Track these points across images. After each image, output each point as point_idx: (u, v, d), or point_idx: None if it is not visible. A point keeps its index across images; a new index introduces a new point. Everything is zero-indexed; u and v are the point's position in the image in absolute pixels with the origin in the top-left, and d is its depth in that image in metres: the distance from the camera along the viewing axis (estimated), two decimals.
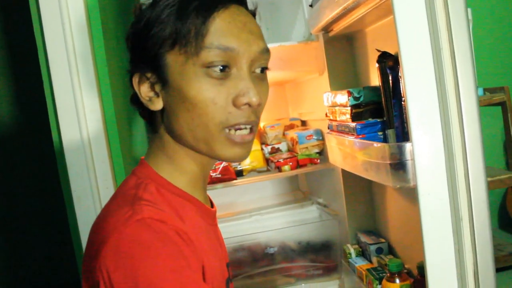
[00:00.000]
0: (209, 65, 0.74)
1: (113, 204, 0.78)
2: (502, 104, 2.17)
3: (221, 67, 0.75)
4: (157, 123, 0.83)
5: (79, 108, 1.38)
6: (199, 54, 0.74)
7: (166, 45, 0.75)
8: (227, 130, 0.77)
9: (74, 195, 1.38)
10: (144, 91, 0.79)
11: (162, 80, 0.77)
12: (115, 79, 1.57)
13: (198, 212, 0.85)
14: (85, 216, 1.40)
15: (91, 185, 1.38)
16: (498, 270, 2.55)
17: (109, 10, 1.65)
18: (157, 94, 0.79)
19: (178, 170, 0.83)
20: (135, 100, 0.83)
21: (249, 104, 0.76)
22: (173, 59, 0.76)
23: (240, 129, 0.78)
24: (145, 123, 0.93)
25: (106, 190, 1.40)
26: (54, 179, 1.62)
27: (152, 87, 0.79)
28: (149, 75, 0.78)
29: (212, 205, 0.97)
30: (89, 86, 1.40)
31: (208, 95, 0.74)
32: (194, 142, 0.79)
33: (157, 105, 0.79)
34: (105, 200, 1.41)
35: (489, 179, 2.17)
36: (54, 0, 1.38)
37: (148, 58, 0.77)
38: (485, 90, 2.24)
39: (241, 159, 0.82)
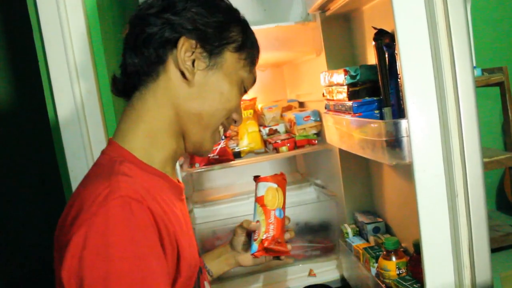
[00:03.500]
0: (243, 84, 0.94)
1: (88, 180, 0.80)
2: (500, 84, 2.17)
3: (245, 91, 0.96)
4: (156, 96, 0.86)
5: (75, 88, 1.37)
6: (247, 73, 0.94)
7: (233, 46, 0.90)
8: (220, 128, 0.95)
9: (71, 176, 1.39)
10: (185, 58, 0.85)
11: (211, 63, 0.87)
12: (111, 58, 1.57)
13: (169, 188, 0.90)
14: None
15: (88, 165, 1.38)
16: (495, 250, 2.57)
17: None
18: (193, 68, 0.86)
19: (155, 147, 0.87)
20: (140, 63, 0.86)
21: (234, 122, 0.97)
22: (230, 59, 0.90)
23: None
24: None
25: None
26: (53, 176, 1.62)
27: (193, 61, 0.86)
28: (200, 51, 0.86)
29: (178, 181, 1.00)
30: (85, 66, 1.39)
31: (234, 102, 0.92)
32: (201, 124, 0.89)
33: (190, 76, 0.86)
34: None
35: (487, 160, 2.18)
36: None
37: (212, 43, 0.87)
38: (483, 70, 2.23)
39: (206, 154, 0.99)
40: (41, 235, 2.75)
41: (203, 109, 0.88)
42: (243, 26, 0.94)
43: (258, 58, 0.97)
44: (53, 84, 1.39)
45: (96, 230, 0.69)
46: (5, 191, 2.66)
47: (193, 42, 0.85)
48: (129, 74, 0.87)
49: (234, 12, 0.93)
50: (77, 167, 1.39)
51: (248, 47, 0.93)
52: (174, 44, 0.85)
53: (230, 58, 0.90)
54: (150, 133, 0.87)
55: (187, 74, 0.85)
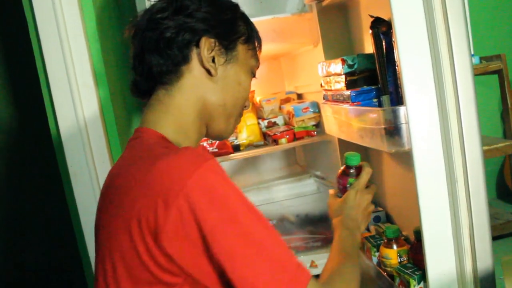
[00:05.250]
0: (252, 71, 1.02)
1: (144, 160, 0.82)
2: (498, 72, 2.17)
3: (253, 76, 1.04)
4: (183, 91, 0.93)
5: (72, 84, 1.37)
6: (255, 60, 1.02)
7: (242, 39, 0.97)
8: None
9: (71, 171, 1.38)
10: (207, 55, 0.92)
11: (228, 57, 0.95)
12: (107, 54, 1.56)
13: None
14: (82, 192, 1.40)
15: (87, 160, 1.38)
16: (495, 238, 2.58)
17: None
18: (214, 64, 0.93)
19: (183, 137, 0.93)
20: (170, 62, 0.92)
21: (245, 107, 1.04)
22: (242, 51, 0.98)
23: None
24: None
25: (102, 164, 1.40)
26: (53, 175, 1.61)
27: (213, 58, 0.93)
28: (218, 48, 0.93)
29: None
30: (81, 61, 1.39)
31: (248, 88, 1.01)
32: (225, 113, 0.97)
33: (214, 71, 0.93)
34: (101, 175, 1.42)
35: (486, 147, 2.18)
36: None
37: (227, 38, 0.95)
38: (481, 58, 2.23)
39: (227, 138, 1.07)
40: (41, 235, 2.76)
41: (226, 100, 0.96)
42: (245, 19, 1.01)
43: (261, 45, 1.05)
44: (51, 81, 1.38)
45: (202, 186, 0.74)
46: (5, 191, 2.66)
47: (212, 40, 0.92)
48: (155, 74, 0.92)
49: (236, 7, 1.00)
50: (76, 162, 1.39)
51: (254, 37, 1.02)
52: (195, 44, 0.91)
53: (241, 50, 0.98)
54: (178, 125, 0.93)
55: (212, 71, 0.92)
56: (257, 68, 1.05)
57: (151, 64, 0.92)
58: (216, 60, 0.93)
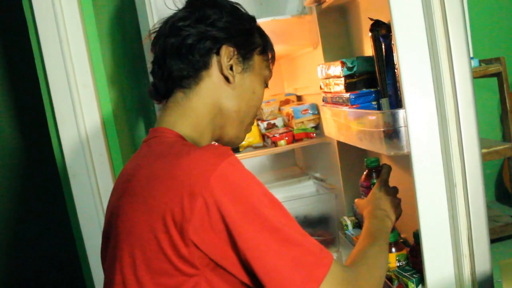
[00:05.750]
0: (266, 81, 1.07)
1: (161, 159, 0.85)
2: (498, 75, 2.17)
3: (266, 86, 1.08)
4: (200, 95, 0.96)
5: (72, 85, 1.37)
6: (269, 71, 1.07)
7: (258, 50, 1.03)
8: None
9: (70, 172, 1.38)
10: (227, 62, 0.96)
11: (245, 66, 0.99)
12: (106, 55, 1.57)
13: None
14: (81, 193, 1.40)
15: (86, 161, 1.38)
16: (495, 240, 2.58)
17: None
18: (232, 72, 0.97)
19: (198, 139, 0.96)
20: (191, 68, 0.96)
21: (256, 116, 1.10)
22: (257, 61, 1.03)
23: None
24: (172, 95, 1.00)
25: (101, 165, 1.40)
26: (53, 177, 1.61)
27: (231, 66, 0.97)
28: (236, 57, 0.98)
29: None
30: (80, 60, 1.39)
31: (261, 97, 1.06)
32: (239, 119, 1.01)
33: (232, 79, 0.97)
34: (100, 176, 1.42)
35: (485, 150, 2.18)
36: None
37: (245, 48, 0.99)
38: (481, 61, 2.23)
39: (238, 144, 1.09)
40: (41, 235, 2.76)
41: (241, 107, 1.00)
42: (261, 31, 1.07)
43: (274, 58, 1.10)
44: (50, 83, 1.38)
45: (225, 180, 0.77)
46: (5, 192, 2.66)
47: (232, 49, 0.96)
48: (175, 78, 0.96)
49: (253, 19, 1.05)
50: (76, 163, 1.39)
51: (269, 49, 1.07)
52: (216, 51, 0.96)
53: (257, 60, 1.02)
54: (194, 127, 0.96)
55: (230, 78, 0.96)
56: (270, 78, 1.09)
57: (171, 69, 0.96)
58: (234, 68, 0.97)
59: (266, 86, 1.09)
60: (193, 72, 0.96)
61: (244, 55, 0.99)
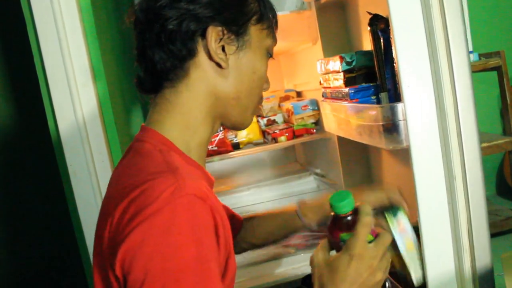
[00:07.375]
0: (269, 51, 0.91)
1: (135, 171, 0.77)
2: (497, 68, 2.16)
3: (270, 56, 0.92)
4: (190, 88, 0.84)
5: (71, 83, 1.37)
6: (270, 39, 0.90)
7: (254, 19, 0.86)
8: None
9: (70, 170, 1.39)
10: (216, 46, 0.82)
11: (240, 44, 0.85)
12: (106, 52, 1.56)
13: (207, 181, 0.86)
14: (82, 191, 1.40)
15: (86, 159, 1.38)
16: (495, 235, 2.57)
17: None
18: (225, 54, 0.84)
19: (192, 136, 0.86)
20: (170, 55, 0.82)
21: (264, 89, 0.94)
22: (255, 33, 0.87)
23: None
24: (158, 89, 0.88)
25: (102, 163, 1.40)
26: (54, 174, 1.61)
27: (222, 46, 0.83)
28: (227, 36, 0.83)
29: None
30: (80, 60, 1.39)
31: (265, 75, 0.91)
32: (240, 106, 0.88)
33: (224, 63, 0.83)
34: (101, 174, 1.42)
35: (486, 144, 2.18)
36: None
37: (237, 23, 0.84)
38: (480, 55, 2.23)
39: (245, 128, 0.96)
40: (41, 234, 2.76)
41: (240, 92, 0.87)
42: None
43: (277, 19, 0.93)
44: (49, 81, 1.38)
45: (159, 227, 0.67)
46: (5, 190, 2.66)
47: (220, 29, 0.82)
48: (159, 71, 0.84)
49: None
50: (76, 161, 1.39)
51: (268, 14, 0.90)
52: (201, 34, 0.82)
53: (254, 32, 0.87)
54: (187, 124, 0.85)
55: (222, 63, 0.83)
56: (275, 45, 0.94)
57: (154, 61, 0.83)
58: (226, 49, 0.83)
59: (271, 56, 0.93)
60: (177, 62, 0.82)
61: (237, 31, 0.84)
